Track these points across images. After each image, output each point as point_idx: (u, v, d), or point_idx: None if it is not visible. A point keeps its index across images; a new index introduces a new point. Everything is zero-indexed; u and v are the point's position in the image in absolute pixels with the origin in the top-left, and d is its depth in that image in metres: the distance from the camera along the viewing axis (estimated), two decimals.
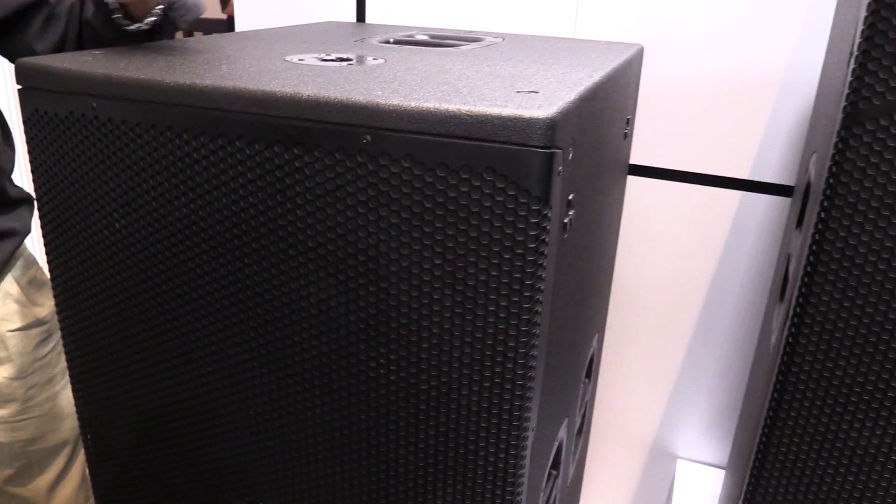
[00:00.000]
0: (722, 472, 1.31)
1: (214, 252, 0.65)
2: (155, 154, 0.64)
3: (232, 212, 0.63)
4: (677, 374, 1.29)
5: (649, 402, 1.33)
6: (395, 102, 0.55)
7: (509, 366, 0.61)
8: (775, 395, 0.70)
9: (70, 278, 0.75)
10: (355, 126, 0.56)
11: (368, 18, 1.29)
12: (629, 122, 1.07)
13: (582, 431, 1.20)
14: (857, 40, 0.59)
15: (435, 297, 0.60)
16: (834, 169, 0.62)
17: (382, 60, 0.76)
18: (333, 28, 1.14)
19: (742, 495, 0.76)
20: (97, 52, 0.76)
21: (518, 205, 0.56)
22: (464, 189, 0.56)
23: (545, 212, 0.56)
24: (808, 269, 0.65)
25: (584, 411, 1.18)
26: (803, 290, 0.66)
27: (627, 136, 1.08)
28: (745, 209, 1.16)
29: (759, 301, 1.19)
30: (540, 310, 0.60)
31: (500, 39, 1.03)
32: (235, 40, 0.89)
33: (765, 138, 1.11)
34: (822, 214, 0.63)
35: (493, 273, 0.58)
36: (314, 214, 0.60)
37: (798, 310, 0.67)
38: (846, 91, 0.60)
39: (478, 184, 0.56)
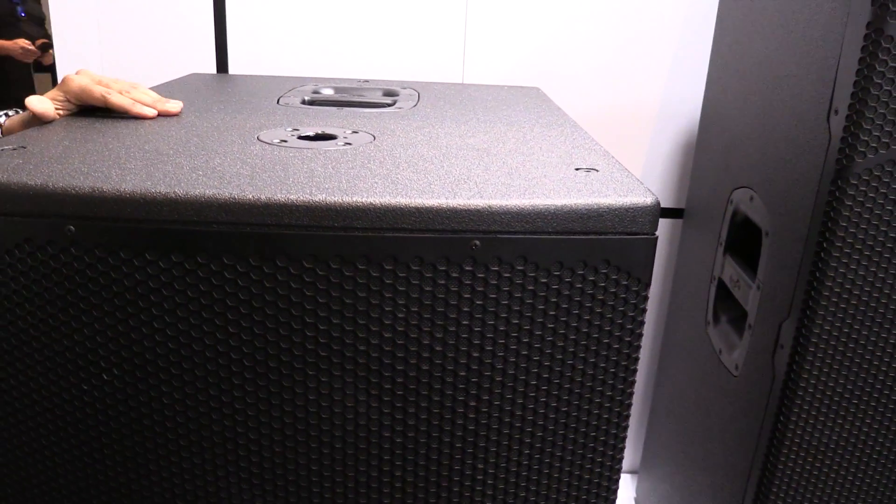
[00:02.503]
0: (628, 476, 1.40)
1: (262, 396, 0.54)
2: (176, 285, 0.51)
3: (290, 344, 0.52)
4: None
5: None
6: (511, 203, 0.50)
7: (609, 453, 0.59)
8: (781, 417, 0.77)
9: (25, 465, 0.57)
10: (464, 232, 0.50)
11: (231, 69, 1.15)
12: None
13: None
14: (849, 101, 0.66)
15: (540, 399, 0.56)
16: (831, 214, 0.69)
17: (370, 136, 0.69)
18: (211, 82, 1.00)
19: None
20: (14, 144, 0.58)
21: (629, 292, 0.54)
22: (578, 284, 0.53)
23: (644, 293, 0.55)
24: (809, 301, 0.72)
25: None
26: (805, 321, 0.73)
27: None
28: None
29: (654, 318, 1.29)
30: (632, 391, 0.59)
31: (415, 92, 0.99)
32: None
33: (646, 165, 1.21)
34: (822, 254, 0.70)
35: (601, 364, 0.56)
36: (404, 334, 0.52)
37: (801, 338, 0.74)
38: (838, 146, 0.68)
39: (592, 277, 0.53)
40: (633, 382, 0.58)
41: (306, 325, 0.52)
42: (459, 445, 0.56)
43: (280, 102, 0.86)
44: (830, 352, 0.73)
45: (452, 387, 0.54)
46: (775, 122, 0.82)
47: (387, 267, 0.50)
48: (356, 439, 0.55)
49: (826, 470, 0.78)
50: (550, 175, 0.57)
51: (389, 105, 0.88)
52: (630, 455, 1.39)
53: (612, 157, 0.64)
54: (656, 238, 0.54)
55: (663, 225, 1.24)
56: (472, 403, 0.55)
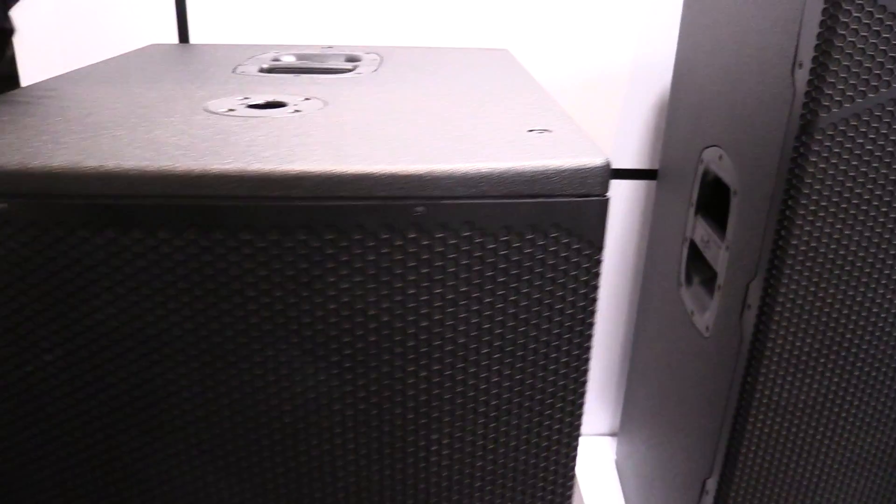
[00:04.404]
0: (609, 439, 1.40)
1: (208, 373, 0.53)
2: (114, 261, 0.49)
3: (232, 318, 0.51)
4: None
5: None
6: (454, 167, 0.48)
7: (567, 419, 0.58)
8: (749, 378, 0.76)
9: None
10: (406, 198, 0.48)
11: (192, 38, 1.12)
12: None
13: None
14: (812, 54, 0.65)
15: (493, 368, 0.55)
16: (796, 171, 0.68)
17: (321, 103, 0.67)
18: (170, 52, 0.97)
19: (718, 468, 0.82)
20: None
21: (580, 256, 0.53)
22: (527, 250, 0.51)
23: (597, 257, 0.54)
24: (775, 261, 0.71)
25: None
26: (771, 280, 0.72)
27: None
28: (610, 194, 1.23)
29: (630, 281, 1.28)
30: (589, 356, 0.58)
31: (379, 57, 0.97)
32: (87, 85, 0.72)
33: (619, 127, 1.19)
34: (788, 212, 0.69)
35: (555, 330, 0.55)
36: (349, 305, 0.51)
37: (767, 298, 0.73)
38: (803, 101, 0.66)
39: (541, 242, 0.51)
40: (590, 348, 0.57)
41: (248, 299, 0.50)
42: (412, 417, 0.55)
43: (236, 71, 0.83)
44: (797, 311, 0.73)
45: (402, 357, 0.53)
46: (742, 77, 0.80)
47: (327, 237, 0.49)
48: (306, 413, 0.54)
49: (794, 430, 0.78)
50: (501, 137, 0.55)
51: (349, 70, 0.86)
52: (609, 417, 1.39)
53: (569, 117, 0.63)
54: (608, 200, 0.53)
55: (638, 187, 1.22)
56: (423, 374, 0.54)
